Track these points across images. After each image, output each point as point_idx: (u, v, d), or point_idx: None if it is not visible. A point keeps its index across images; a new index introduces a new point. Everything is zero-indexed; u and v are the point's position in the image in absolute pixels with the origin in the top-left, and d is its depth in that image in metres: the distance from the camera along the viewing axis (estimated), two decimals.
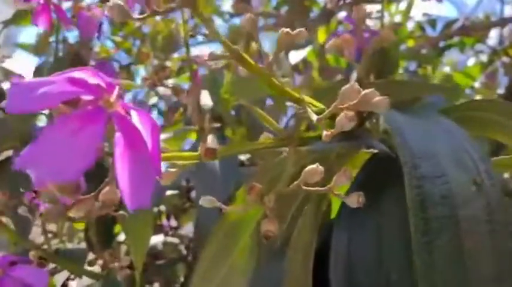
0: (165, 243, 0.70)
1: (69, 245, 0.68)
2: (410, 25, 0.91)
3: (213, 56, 0.22)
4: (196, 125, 0.21)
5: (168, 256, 0.68)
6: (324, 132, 0.21)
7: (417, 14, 0.91)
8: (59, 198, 0.17)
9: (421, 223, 0.21)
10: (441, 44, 0.87)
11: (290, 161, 0.26)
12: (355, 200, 0.22)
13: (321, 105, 0.26)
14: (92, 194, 0.18)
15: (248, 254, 0.30)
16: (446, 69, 0.94)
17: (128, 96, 0.94)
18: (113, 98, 0.14)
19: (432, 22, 0.91)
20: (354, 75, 0.33)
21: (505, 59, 0.88)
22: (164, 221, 0.71)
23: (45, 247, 0.46)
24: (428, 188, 0.22)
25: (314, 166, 0.22)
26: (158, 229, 0.69)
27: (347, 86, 0.21)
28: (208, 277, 0.31)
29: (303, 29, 0.24)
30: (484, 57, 0.95)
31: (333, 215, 0.31)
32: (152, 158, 0.15)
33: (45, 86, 0.14)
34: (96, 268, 0.50)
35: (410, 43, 0.87)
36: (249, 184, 0.21)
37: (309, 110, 0.23)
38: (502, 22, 0.82)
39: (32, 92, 0.14)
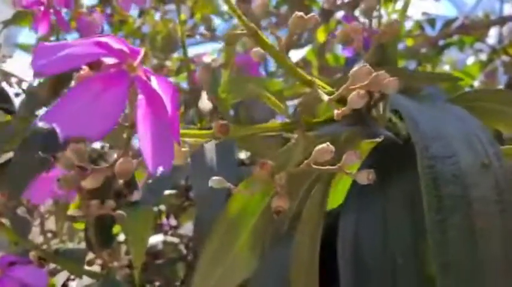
0: (165, 242, 0.69)
1: (70, 245, 0.68)
2: (409, 24, 0.91)
3: (230, 35, 0.22)
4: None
5: (168, 255, 0.67)
6: (336, 111, 0.21)
7: (416, 13, 0.91)
8: (74, 164, 0.17)
9: (434, 201, 0.21)
10: (440, 43, 0.88)
11: (299, 145, 0.26)
12: (365, 177, 0.23)
13: (331, 89, 0.26)
14: (108, 165, 0.18)
15: (249, 249, 0.31)
16: (446, 68, 0.94)
17: None
18: (136, 62, 0.15)
19: (431, 21, 0.91)
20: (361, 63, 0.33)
21: (504, 57, 0.89)
22: (164, 220, 0.71)
23: (45, 247, 0.46)
24: (440, 167, 0.22)
25: (324, 145, 0.22)
26: (158, 228, 0.69)
27: (358, 66, 0.22)
28: (209, 273, 0.31)
29: (315, 14, 0.24)
30: (483, 56, 0.95)
31: (333, 203, 0.31)
32: (171, 123, 0.15)
33: (70, 48, 0.14)
34: (96, 268, 0.49)
35: (410, 42, 0.87)
36: (261, 162, 0.21)
37: (320, 91, 0.23)
38: (502, 21, 0.83)
39: (57, 52, 0.14)
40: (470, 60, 0.99)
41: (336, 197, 0.31)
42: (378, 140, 0.30)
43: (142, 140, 0.14)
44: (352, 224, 0.27)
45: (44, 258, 0.43)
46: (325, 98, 0.22)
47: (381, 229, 0.27)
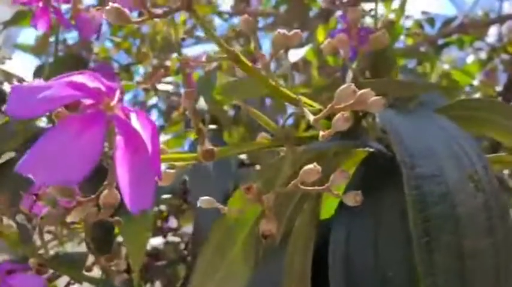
0: (165, 244, 0.70)
1: (70, 246, 0.68)
2: (408, 23, 0.91)
3: (210, 58, 0.22)
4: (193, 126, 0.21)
5: (168, 257, 0.68)
6: (321, 133, 0.21)
7: (416, 12, 0.91)
8: (58, 201, 0.17)
9: (420, 223, 0.21)
10: (440, 42, 0.87)
11: (287, 160, 0.26)
12: (352, 199, 0.23)
13: (318, 106, 0.26)
14: (91, 197, 0.18)
15: (246, 252, 0.31)
16: (445, 67, 0.94)
17: (128, 96, 0.95)
18: (113, 102, 0.15)
19: (431, 20, 0.91)
20: (350, 75, 0.33)
21: (504, 56, 0.88)
22: (163, 223, 0.72)
23: (44, 252, 0.46)
24: (427, 187, 0.22)
25: (311, 165, 0.22)
26: (158, 231, 0.70)
27: (343, 87, 0.22)
28: (207, 276, 0.31)
29: (298, 31, 0.24)
30: (483, 55, 0.95)
31: (324, 214, 0.31)
32: (152, 160, 0.15)
33: (45, 91, 0.14)
34: (97, 273, 0.50)
35: (409, 41, 0.87)
36: (246, 184, 0.22)
37: (306, 110, 0.23)
38: (501, 19, 0.82)
39: (32, 96, 0.14)
40: (470, 59, 0.98)
41: (329, 208, 0.31)
42: (367, 152, 0.30)
43: (121, 181, 0.14)
44: (342, 239, 0.27)
45: (43, 264, 0.43)
46: (311, 118, 0.22)
47: (372, 244, 0.26)
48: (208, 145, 0.21)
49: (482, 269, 0.22)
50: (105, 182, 0.17)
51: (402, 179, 0.23)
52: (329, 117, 0.23)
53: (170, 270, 0.65)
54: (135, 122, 0.15)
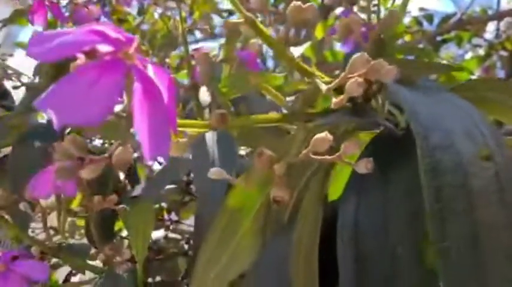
0: (166, 237, 0.70)
1: (71, 241, 0.68)
2: (407, 20, 0.91)
3: (229, 24, 0.22)
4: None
5: (170, 250, 0.68)
6: (333, 100, 0.21)
7: (414, 9, 0.91)
8: (72, 154, 0.17)
9: (433, 190, 0.21)
10: (438, 38, 0.88)
11: (299, 135, 0.26)
12: (364, 166, 0.23)
13: (329, 79, 0.26)
14: (105, 155, 0.18)
15: (252, 238, 0.31)
16: (445, 63, 0.94)
17: None
18: (131, 50, 0.15)
19: (429, 17, 0.91)
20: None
21: (502, 52, 0.89)
22: (165, 215, 0.71)
23: (47, 242, 0.46)
24: (440, 156, 0.22)
25: (323, 134, 0.22)
26: (160, 224, 0.69)
27: (356, 55, 0.22)
28: (215, 257, 0.31)
29: (312, 3, 0.24)
30: (481, 51, 0.95)
31: (333, 195, 0.31)
32: (168, 112, 0.15)
33: (66, 35, 0.14)
34: (99, 263, 0.49)
35: (408, 38, 0.87)
36: (258, 151, 0.21)
37: (318, 81, 0.23)
38: (499, 16, 0.83)
39: (52, 40, 0.14)
40: (469, 56, 0.99)
41: (337, 190, 0.31)
42: (377, 130, 0.30)
43: (139, 129, 0.14)
44: (351, 214, 0.27)
45: (45, 252, 0.43)
46: (324, 87, 0.22)
47: (381, 219, 0.26)
48: (222, 111, 0.21)
49: (494, 239, 0.22)
50: (118, 141, 0.17)
51: (410, 158, 0.23)
52: (340, 91, 0.23)
53: (171, 263, 0.65)
54: (151, 72, 0.15)
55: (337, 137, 0.29)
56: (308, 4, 0.24)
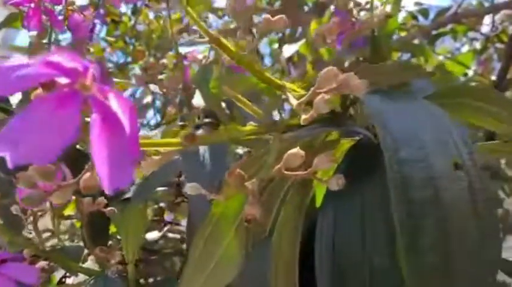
0: (163, 237, 0.70)
1: (68, 243, 0.68)
2: (402, 15, 0.91)
3: (192, 42, 0.22)
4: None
5: (166, 250, 0.68)
6: (303, 116, 0.21)
7: (409, 3, 0.91)
8: (38, 183, 0.17)
9: (403, 207, 0.21)
10: (433, 33, 0.87)
11: (274, 147, 0.26)
12: (335, 183, 0.23)
13: (303, 92, 0.26)
14: (73, 180, 0.18)
15: (238, 244, 0.31)
16: (441, 58, 0.93)
17: (126, 95, 0.95)
18: (88, 81, 0.15)
19: (424, 11, 0.91)
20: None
21: (498, 45, 0.88)
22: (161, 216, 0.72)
23: (39, 244, 0.47)
24: (410, 171, 0.22)
25: (295, 149, 0.22)
26: (156, 224, 0.70)
27: (325, 69, 0.22)
28: (198, 268, 0.31)
29: (282, 16, 0.24)
30: (478, 45, 0.95)
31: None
32: (130, 141, 0.15)
33: (21, 69, 0.14)
34: (93, 265, 0.50)
35: (403, 33, 0.87)
36: (229, 169, 0.22)
37: (289, 95, 0.23)
38: (495, 8, 0.82)
39: (8, 74, 0.14)
40: (465, 49, 0.98)
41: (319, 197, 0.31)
42: (354, 140, 0.30)
43: (97, 161, 0.14)
44: (329, 225, 0.27)
45: (37, 255, 0.44)
46: (294, 102, 0.22)
47: (358, 230, 0.27)
48: (190, 130, 0.21)
49: (467, 251, 0.22)
50: (86, 166, 0.17)
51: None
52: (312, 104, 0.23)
53: (168, 263, 0.65)
54: (112, 101, 0.15)
55: (315, 150, 0.29)
56: (278, 16, 0.24)
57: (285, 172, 0.23)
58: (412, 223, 0.21)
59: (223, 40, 0.22)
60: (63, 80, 0.15)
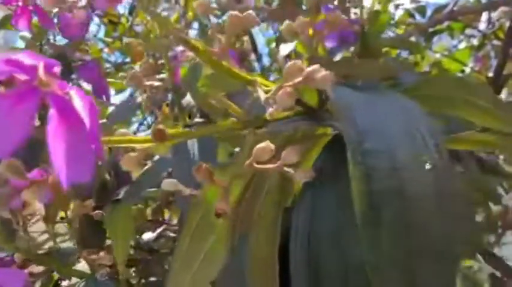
0: (162, 236, 0.70)
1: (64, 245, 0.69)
2: (399, 12, 0.91)
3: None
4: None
5: (164, 250, 0.69)
6: (269, 110, 0.22)
7: (406, 0, 0.91)
8: (7, 180, 0.17)
9: (365, 198, 0.21)
10: (430, 30, 0.87)
11: (248, 142, 0.26)
12: (303, 175, 0.23)
13: (273, 86, 0.27)
14: (45, 177, 0.18)
15: (223, 240, 0.31)
16: (438, 56, 0.93)
17: (125, 95, 0.96)
18: (46, 78, 0.15)
19: (421, 9, 0.91)
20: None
21: (495, 42, 0.88)
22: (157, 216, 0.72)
23: (31, 248, 0.47)
24: (373, 162, 0.22)
25: (264, 143, 0.23)
26: (151, 225, 0.70)
27: (290, 63, 0.22)
28: (186, 265, 0.31)
29: (251, 12, 0.25)
30: (475, 42, 0.94)
31: None
32: (90, 137, 0.16)
33: None
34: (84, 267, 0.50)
35: (400, 31, 0.87)
36: (197, 166, 0.22)
37: (259, 90, 0.24)
38: (492, 5, 0.82)
39: None
40: (462, 46, 0.98)
41: None
42: (330, 134, 0.31)
43: (53, 156, 0.15)
44: (305, 222, 0.27)
45: (28, 259, 0.44)
46: (263, 97, 0.23)
47: (334, 225, 0.26)
48: (160, 126, 0.21)
49: (429, 246, 0.21)
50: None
51: None
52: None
53: (167, 262, 0.66)
54: (72, 97, 0.16)
55: (294, 142, 0.30)
56: (246, 12, 0.24)
57: (255, 165, 0.23)
58: (373, 214, 0.21)
59: (191, 41, 0.23)
60: (22, 77, 0.15)
